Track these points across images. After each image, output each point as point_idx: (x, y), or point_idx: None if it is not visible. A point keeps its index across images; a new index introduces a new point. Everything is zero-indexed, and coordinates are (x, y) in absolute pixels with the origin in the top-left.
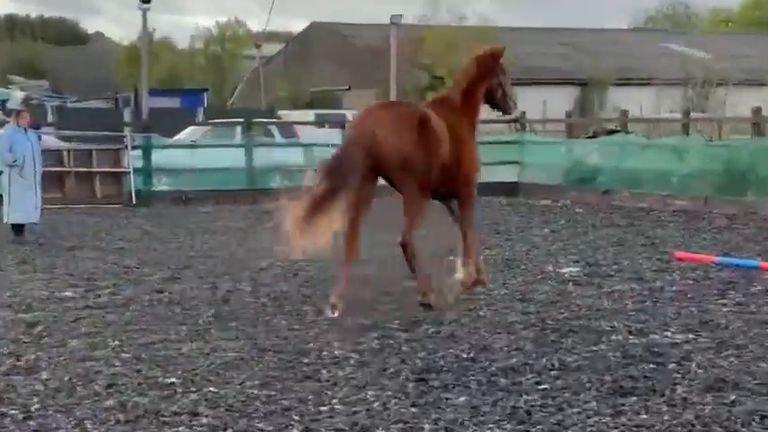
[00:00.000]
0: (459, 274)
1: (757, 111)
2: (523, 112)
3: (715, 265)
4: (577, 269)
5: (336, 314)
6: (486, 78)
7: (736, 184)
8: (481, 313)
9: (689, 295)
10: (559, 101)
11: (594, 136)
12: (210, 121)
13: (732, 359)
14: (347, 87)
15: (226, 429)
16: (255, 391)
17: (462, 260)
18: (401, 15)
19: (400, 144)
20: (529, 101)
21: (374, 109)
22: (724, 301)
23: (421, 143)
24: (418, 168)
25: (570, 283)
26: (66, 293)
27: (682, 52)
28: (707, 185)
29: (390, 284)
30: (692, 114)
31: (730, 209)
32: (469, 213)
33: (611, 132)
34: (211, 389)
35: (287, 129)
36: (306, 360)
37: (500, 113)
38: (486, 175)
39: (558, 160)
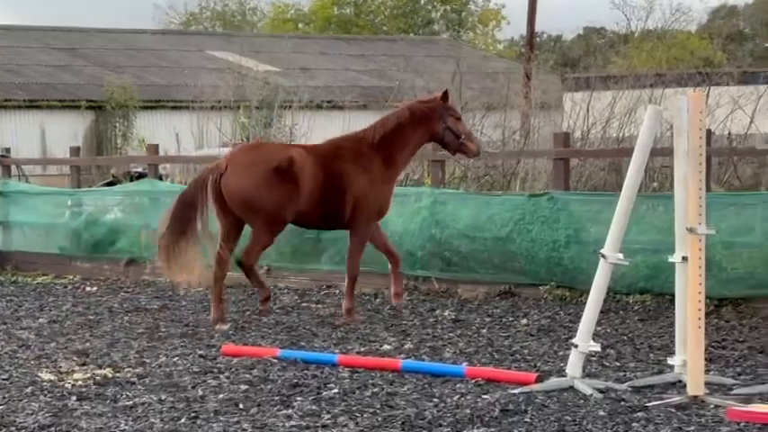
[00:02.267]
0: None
1: None
2: (7, 149)
3: (278, 361)
4: (86, 375)
5: (226, 327)
6: (422, 124)
7: (307, 249)
8: None
9: (241, 406)
10: (64, 132)
11: (114, 182)
12: None
13: None
14: None
15: None
16: None
17: (346, 288)
18: None
19: (241, 186)
20: (17, 132)
21: (239, 150)
22: (288, 411)
23: (269, 186)
24: (262, 208)
25: (73, 397)
26: None
27: (235, 64)
28: (271, 251)
29: None
30: None
31: (300, 282)
32: (356, 246)
33: (139, 177)
34: None
35: None
36: None
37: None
38: None
39: (62, 218)
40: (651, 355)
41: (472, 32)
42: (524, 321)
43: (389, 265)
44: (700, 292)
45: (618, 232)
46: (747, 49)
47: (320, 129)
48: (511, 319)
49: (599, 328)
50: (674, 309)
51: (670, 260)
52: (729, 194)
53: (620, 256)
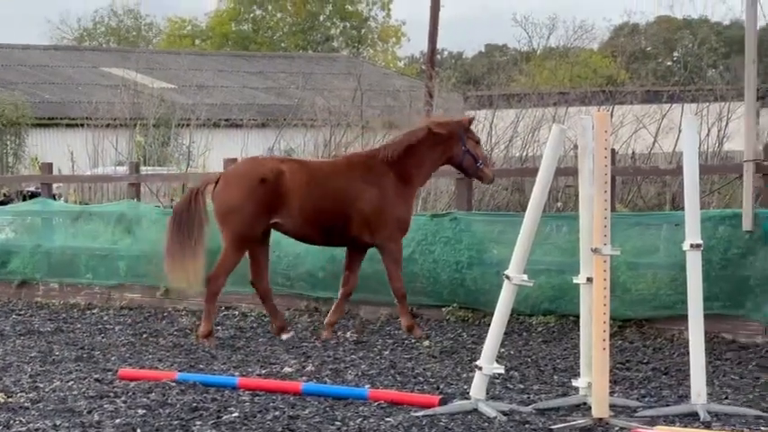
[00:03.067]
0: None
1: (231, 164)
2: None
3: (177, 385)
4: None
5: (287, 336)
6: (440, 145)
7: (207, 268)
8: None
9: (138, 431)
10: None
11: (6, 201)
12: None
13: None
14: None
15: None
16: None
17: (399, 308)
18: None
19: (224, 196)
20: None
21: (235, 164)
22: None
23: (250, 198)
24: (237, 220)
25: None
26: None
27: (131, 80)
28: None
29: None
30: (145, 169)
31: (199, 304)
32: (390, 264)
33: (32, 196)
34: None
35: None
36: None
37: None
38: None
39: None
40: (555, 377)
41: (372, 49)
42: (427, 343)
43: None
44: (605, 314)
45: (522, 253)
46: (650, 68)
47: (218, 147)
48: (413, 340)
49: (502, 350)
50: (577, 330)
51: (575, 281)
52: (634, 215)
53: (525, 277)
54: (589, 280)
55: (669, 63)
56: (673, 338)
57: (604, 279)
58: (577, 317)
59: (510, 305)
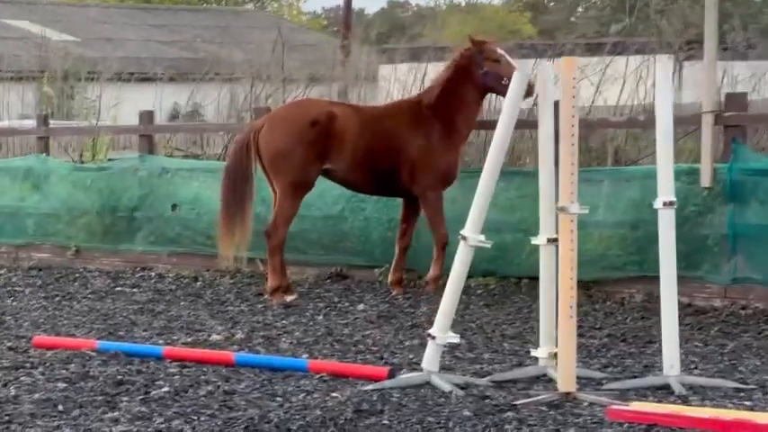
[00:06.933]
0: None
1: (147, 117)
2: None
3: (97, 355)
4: None
5: (291, 297)
6: (465, 77)
7: (120, 229)
8: None
9: (60, 408)
10: None
11: None
12: None
13: None
14: None
15: None
16: None
17: (435, 257)
18: None
19: (273, 140)
20: None
21: (281, 107)
22: (114, 414)
23: (301, 142)
24: (290, 166)
25: None
26: None
27: (34, 33)
28: (80, 230)
29: None
30: (54, 123)
31: (113, 264)
32: (429, 212)
33: None
34: None
35: None
36: None
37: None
38: None
39: None
40: (505, 344)
41: (276, 3)
42: (361, 307)
43: None
44: (572, 278)
45: (479, 211)
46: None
47: (128, 101)
48: (346, 304)
49: None
50: (520, 293)
51: (533, 242)
52: (582, 170)
53: (482, 237)
54: (550, 240)
55: (572, 19)
56: (623, 302)
57: (571, 240)
58: (519, 278)
59: (467, 268)
